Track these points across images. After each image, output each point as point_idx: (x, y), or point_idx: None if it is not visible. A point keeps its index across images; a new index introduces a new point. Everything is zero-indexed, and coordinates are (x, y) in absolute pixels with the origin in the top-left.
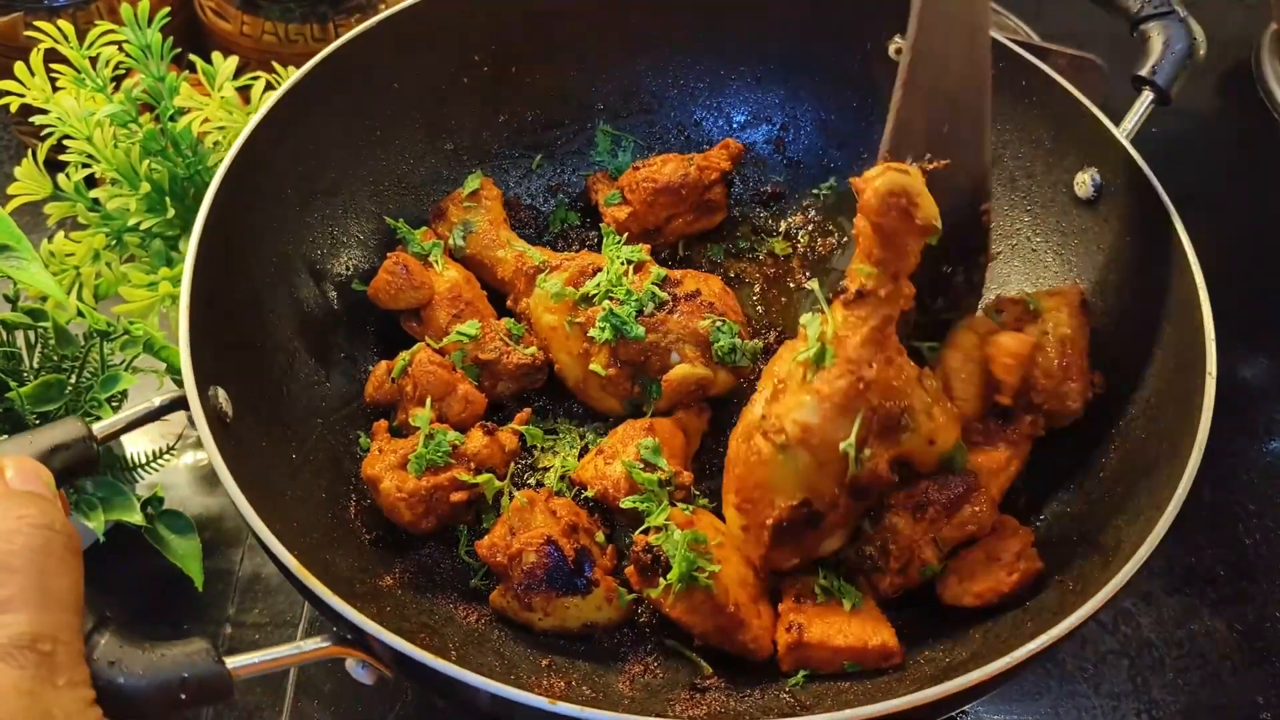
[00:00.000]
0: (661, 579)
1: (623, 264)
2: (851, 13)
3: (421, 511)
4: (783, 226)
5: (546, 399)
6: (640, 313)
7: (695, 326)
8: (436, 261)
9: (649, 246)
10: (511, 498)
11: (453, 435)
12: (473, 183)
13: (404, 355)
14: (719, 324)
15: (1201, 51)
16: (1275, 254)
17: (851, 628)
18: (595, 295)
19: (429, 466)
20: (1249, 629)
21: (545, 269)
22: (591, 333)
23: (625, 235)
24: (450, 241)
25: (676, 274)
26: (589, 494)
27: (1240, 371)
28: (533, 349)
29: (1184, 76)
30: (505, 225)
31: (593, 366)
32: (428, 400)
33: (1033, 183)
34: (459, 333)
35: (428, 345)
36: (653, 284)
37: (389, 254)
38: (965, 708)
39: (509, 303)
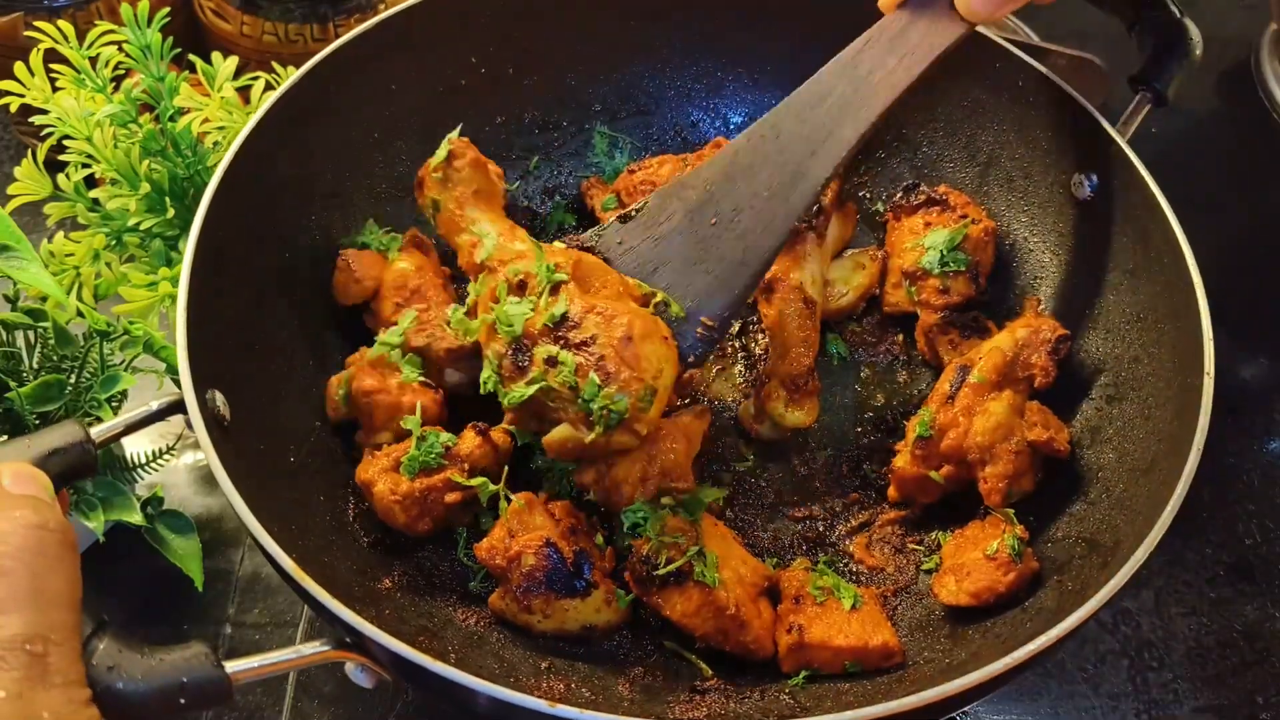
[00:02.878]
0: (659, 583)
1: (542, 281)
2: (848, 15)
3: (416, 514)
4: None
5: None
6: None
7: (576, 383)
8: (390, 252)
9: (574, 263)
10: (508, 500)
11: (445, 437)
12: (443, 150)
13: (340, 378)
14: (595, 389)
15: (1198, 52)
16: (1274, 254)
17: (852, 627)
18: (500, 327)
19: (422, 469)
20: (1249, 629)
21: (488, 268)
22: (482, 375)
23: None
24: (430, 220)
25: (581, 311)
26: (590, 497)
27: (1240, 371)
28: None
29: (1181, 77)
30: (476, 200)
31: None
32: (417, 405)
33: (1030, 183)
34: (394, 330)
35: (363, 352)
36: (547, 323)
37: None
38: (965, 708)
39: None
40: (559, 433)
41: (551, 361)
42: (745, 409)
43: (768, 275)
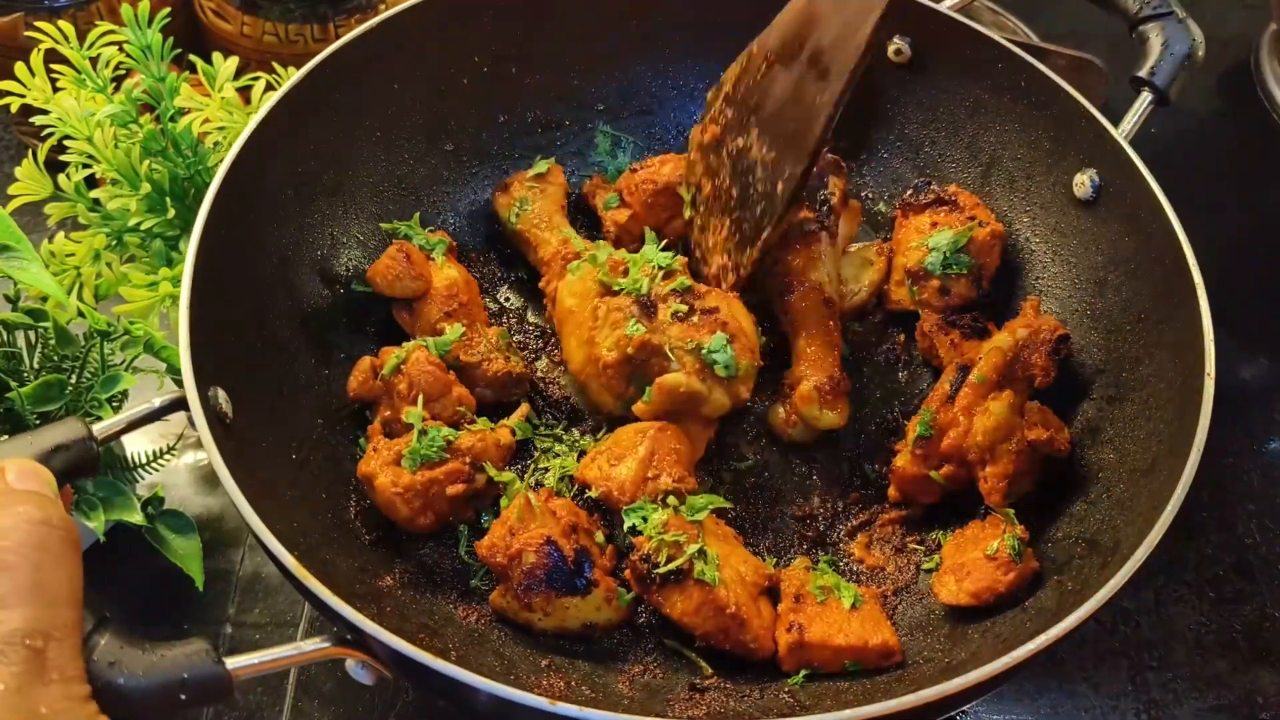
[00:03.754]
0: (660, 582)
1: (655, 267)
2: None
3: (419, 506)
4: None
5: (544, 401)
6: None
7: (700, 340)
8: (438, 257)
9: (685, 259)
10: (536, 486)
11: (446, 431)
12: (541, 166)
13: (398, 352)
14: (723, 343)
15: (1200, 53)
16: (1275, 254)
17: (852, 627)
18: (620, 288)
19: (424, 462)
20: (1249, 629)
21: (568, 257)
22: (608, 313)
23: (615, 238)
24: (508, 214)
25: (703, 289)
26: (592, 494)
27: (1240, 371)
28: (515, 360)
29: (1183, 78)
30: (561, 213)
31: (601, 346)
32: (419, 398)
33: (1031, 183)
34: (443, 339)
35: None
36: (674, 289)
37: (394, 240)
38: (965, 708)
39: (541, 283)
40: (673, 378)
41: (679, 316)
42: (775, 413)
43: (785, 277)
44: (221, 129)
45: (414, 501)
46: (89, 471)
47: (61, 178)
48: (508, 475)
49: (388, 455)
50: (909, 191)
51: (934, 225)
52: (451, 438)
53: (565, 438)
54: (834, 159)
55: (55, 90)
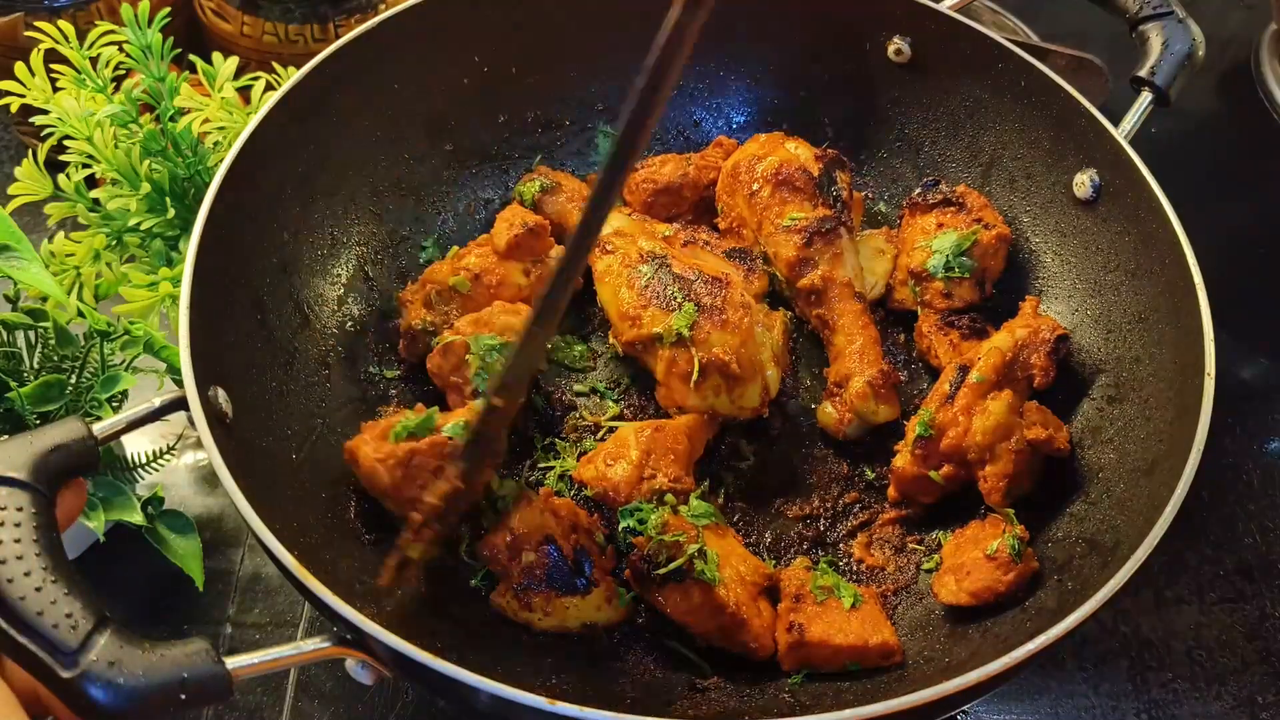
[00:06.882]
0: (660, 581)
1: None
2: (850, 15)
3: (400, 477)
4: None
5: (546, 399)
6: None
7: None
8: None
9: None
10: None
11: (433, 409)
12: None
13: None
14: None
15: (1200, 53)
16: (1275, 254)
17: (852, 626)
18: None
19: (410, 435)
20: (1249, 629)
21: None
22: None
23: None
24: (528, 189)
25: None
26: (588, 493)
27: (1240, 371)
28: None
29: (1183, 77)
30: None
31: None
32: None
33: (1032, 183)
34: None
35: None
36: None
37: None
38: (965, 707)
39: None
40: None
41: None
42: (826, 414)
43: (816, 280)
44: (221, 129)
45: (395, 470)
46: (88, 471)
47: (61, 178)
48: (509, 484)
49: (375, 431)
50: (916, 190)
51: (939, 226)
52: (445, 429)
53: (565, 438)
54: (835, 153)
55: (55, 90)
